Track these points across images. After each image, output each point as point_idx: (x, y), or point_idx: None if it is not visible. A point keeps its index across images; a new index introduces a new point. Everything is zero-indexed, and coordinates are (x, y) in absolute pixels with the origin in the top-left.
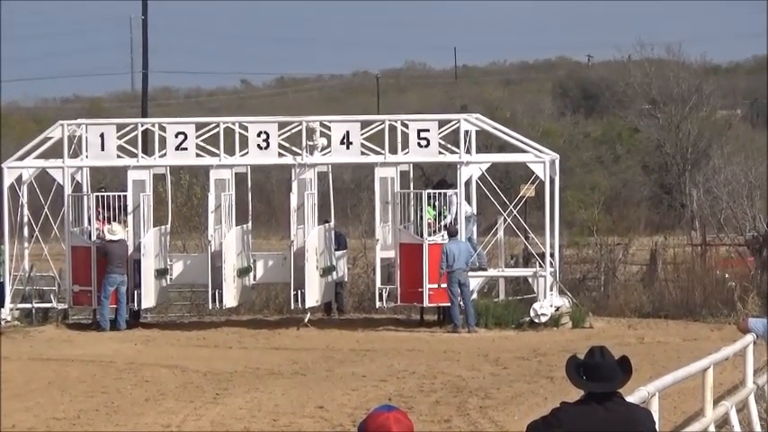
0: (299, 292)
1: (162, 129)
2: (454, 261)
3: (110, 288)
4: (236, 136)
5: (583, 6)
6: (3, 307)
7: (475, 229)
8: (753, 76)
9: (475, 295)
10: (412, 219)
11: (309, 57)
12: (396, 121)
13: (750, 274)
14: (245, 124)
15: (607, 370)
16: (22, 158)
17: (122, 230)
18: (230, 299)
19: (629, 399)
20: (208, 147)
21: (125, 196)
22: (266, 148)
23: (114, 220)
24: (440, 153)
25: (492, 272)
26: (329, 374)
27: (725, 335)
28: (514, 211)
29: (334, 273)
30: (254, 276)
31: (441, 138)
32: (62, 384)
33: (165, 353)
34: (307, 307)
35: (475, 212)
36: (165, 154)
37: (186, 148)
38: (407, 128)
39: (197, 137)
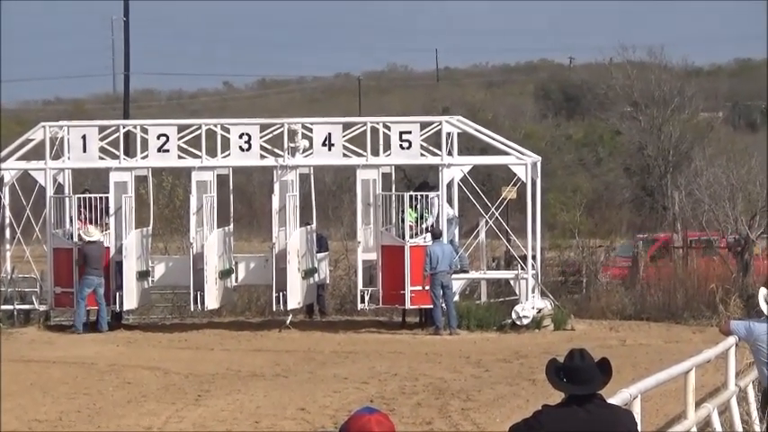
0: (281, 294)
1: (144, 130)
2: (437, 263)
3: (87, 290)
4: (218, 138)
5: (564, 8)
6: None
7: (457, 231)
8: (734, 78)
9: (457, 297)
10: (394, 221)
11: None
12: (378, 123)
13: (732, 277)
14: (227, 126)
15: (587, 372)
16: (3, 160)
17: (99, 232)
18: (212, 301)
19: (612, 400)
20: (190, 148)
21: (107, 198)
22: (248, 149)
23: (96, 222)
24: (422, 155)
25: (474, 274)
26: (311, 376)
27: (707, 337)
28: (496, 214)
29: (316, 275)
30: (236, 278)
31: (422, 140)
32: (44, 386)
33: (146, 355)
34: (288, 309)
35: (457, 215)
36: (146, 156)
37: (168, 150)
38: (389, 130)
39: (179, 138)
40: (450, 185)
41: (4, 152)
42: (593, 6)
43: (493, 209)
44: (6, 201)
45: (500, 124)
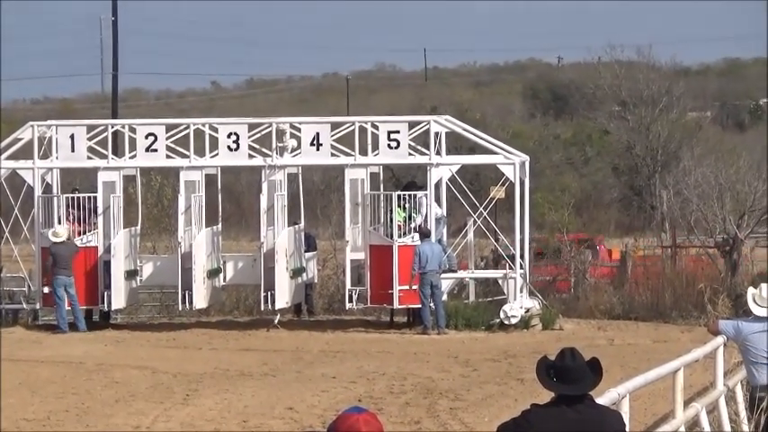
0: (269, 293)
1: (132, 130)
2: (427, 263)
3: (59, 290)
4: (206, 137)
5: (553, 8)
6: None
7: (445, 230)
8: (723, 78)
9: (445, 297)
10: (382, 220)
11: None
12: (366, 123)
13: (720, 276)
14: (215, 125)
15: (577, 372)
16: None
17: (67, 232)
18: (200, 300)
19: (600, 400)
20: (178, 148)
21: (95, 197)
22: (236, 149)
23: (84, 221)
24: (410, 155)
25: (462, 273)
26: (299, 376)
27: (695, 337)
28: (484, 213)
29: (304, 274)
30: (224, 278)
31: (411, 139)
32: (32, 385)
33: (135, 354)
34: (276, 308)
35: (445, 214)
36: (135, 155)
37: (156, 150)
38: (377, 129)
39: (167, 138)
40: (438, 185)
41: None
42: (582, 6)
43: (481, 208)
44: None
45: (488, 124)
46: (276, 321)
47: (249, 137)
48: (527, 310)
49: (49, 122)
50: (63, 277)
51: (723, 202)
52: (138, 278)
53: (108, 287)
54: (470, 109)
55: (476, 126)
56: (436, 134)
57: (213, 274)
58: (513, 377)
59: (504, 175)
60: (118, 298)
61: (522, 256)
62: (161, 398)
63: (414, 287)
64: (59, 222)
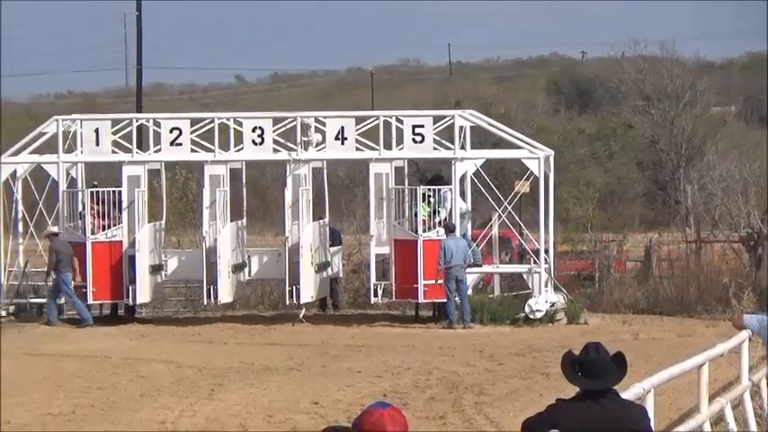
0: (294, 287)
1: (156, 124)
2: (452, 257)
3: (69, 286)
4: (231, 132)
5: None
6: None
7: (469, 225)
8: (747, 72)
9: (470, 291)
10: (407, 215)
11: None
12: (390, 117)
13: (745, 271)
14: (240, 120)
15: (602, 366)
16: (16, 154)
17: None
18: (225, 294)
19: (625, 395)
20: (202, 142)
21: (119, 192)
22: (261, 143)
23: (108, 216)
24: (434, 149)
25: (487, 268)
26: (324, 370)
27: (720, 331)
28: (509, 208)
29: (329, 269)
30: (249, 272)
31: (435, 134)
32: (57, 380)
33: (160, 348)
34: (301, 303)
35: (470, 209)
36: (159, 149)
37: (181, 144)
38: (402, 124)
39: (192, 132)
40: (462, 179)
41: (17, 146)
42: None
43: (506, 203)
44: (19, 194)
45: (512, 118)
46: (301, 316)
47: (274, 131)
48: (552, 305)
49: (73, 117)
50: (68, 273)
51: (747, 196)
52: (163, 272)
53: (133, 281)
54: (494, 103)
55: (500, 121)
56: (461, 128)
57: (238, 268)
58: (539, 371)
59: (528, 169)
60: (143, 292)
61: (546, 251)
62: (186, 392)
63: (439, 282)
64: (82, 218)
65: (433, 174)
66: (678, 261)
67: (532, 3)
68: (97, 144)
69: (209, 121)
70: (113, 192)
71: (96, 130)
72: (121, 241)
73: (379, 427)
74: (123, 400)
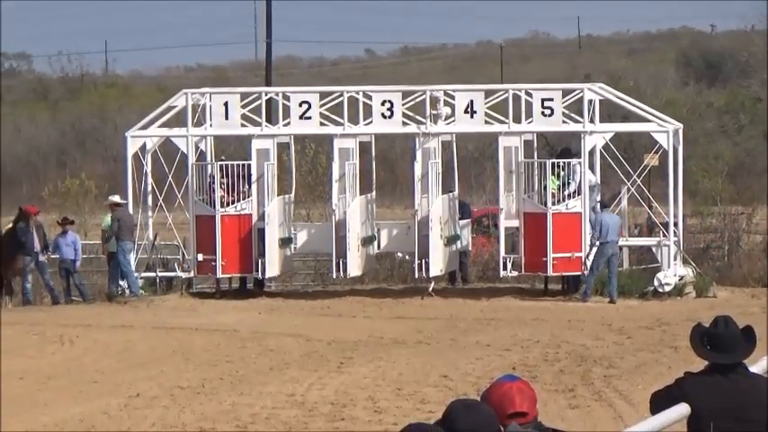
0: (423, 261)
1: (286, 98)
2: (607, 233)
3: (128, 256)
4: (360, 105)
5: None
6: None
7: (598, 198)
8: None
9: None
10: (536, 188)
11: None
12: (519, 91)
13: None
14: (369, 93)
15: (731, 340)
16: (145, 127)
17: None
18: (354, 268)
19: (753, 369)
20: (332, 116)
21: (249, 165)
22: (390, 117)
23: (237, 190)
24: (563, 122)
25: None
26: (453, 344)
27: None
28: (638, 181)
29: (459, 242)
30: (379, 245)
31: (564, 107)
32: (186, 353)
33: (289, 322)
34: (431, 276)
35: (599, 182)
36: (288, 123)
37: (310, 117)
38: (531, 97)
39: (321, 106)
40: (592, 153)
41: (147, 119)
42: None
43: (635, 176)
44: (149, 168)
45: (641, 92)
46: (430, 289)
47: (403, 104)
48: (681, 278)
49: (203, 90)
50: (128, 242)
51: None
52: (293, 246)
53: (262, 255)
54: (624, 77)
55: (629, 94)
56: (590, 102)
57: (367, 241)
58: (667, 345)
59: (657, 142)
60: (272, 266)
61: (675, 224)
62: (315, 366)
63: (576, 254)
64: (212, 190)
65: (562, 147)
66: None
67: None
68: (226, 118)
69: (338, 94)
70: (242, 165)
71: (225, 104)
72: (251, 215)
73: (508, 399)
74: (252, 373)
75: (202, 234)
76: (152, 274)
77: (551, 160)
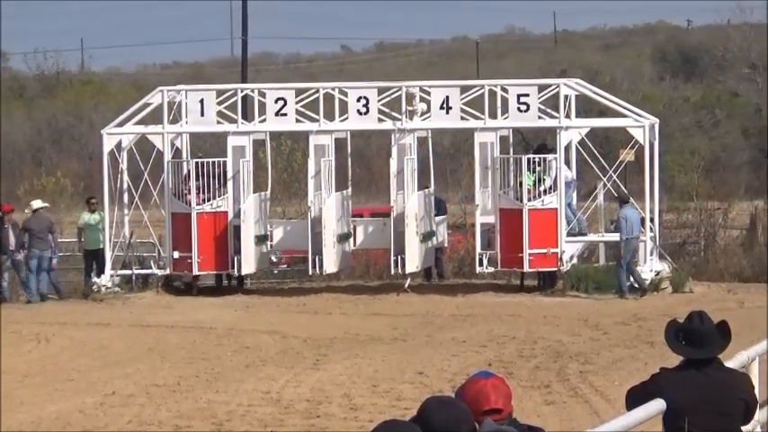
0: (399, 257)
1: (262, 94)
2: (632, 228)
3: (32, 262)
4: (336, 101)
5: None
6: (103, 273)
7: (575, 194)
8: None
9: (575, 260)
10: (512, 184)
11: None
12: (495, 86)
13: None
14: (345, 90)
15: (706, 336)
16: (121, 125)
17: (40, 203)
18: (330, 265)
19: (729, 363)
20: (307, 112)
21: (224, 162)
22: (366, 113)
23: (212, 187)
24: (539, 118)
25: (592, 237)
26: (429, 340)
27: None
28: (614, 176)
29: (434, 238)
30: (354, 242)
31: (540, 102)
32: (162, 351)
33: (265, 319)
34: (407, 272)
35: (575, 178)
36: (264, 119)
37: (286, 114)
38: (507, 93)
39: (297, 102)
40: (568, 148)
41: (122, 116)
42: None
43: (611, 171)
44: (124, 165)
45: (618, 87)
46: (406, 285)
47: (379, 101)
48: (657, 273)
49: (178, 87)
50: (36, 250)
51: None
52: (269, 243)
53: (238, 252)
54: (600, 72)
55: (605, 89)
56: (566, 97)
57: (343, 238)
58: (643, 340)
59: (633, 137)
60: (248, 263)
61: (652, 220)
62: (291, 363)
63: (552, 250)
64: (186, 187)
65: (538, 143)
66: None
67: None
68: (202, 114)
69: (314, 90)
70: (218, 162)
71: (201, 101)
72: (227, 212)
73: (483, 396)
74: (228, 370)
75: (178, 231)
76: (128, 272)
77: (527, 156)
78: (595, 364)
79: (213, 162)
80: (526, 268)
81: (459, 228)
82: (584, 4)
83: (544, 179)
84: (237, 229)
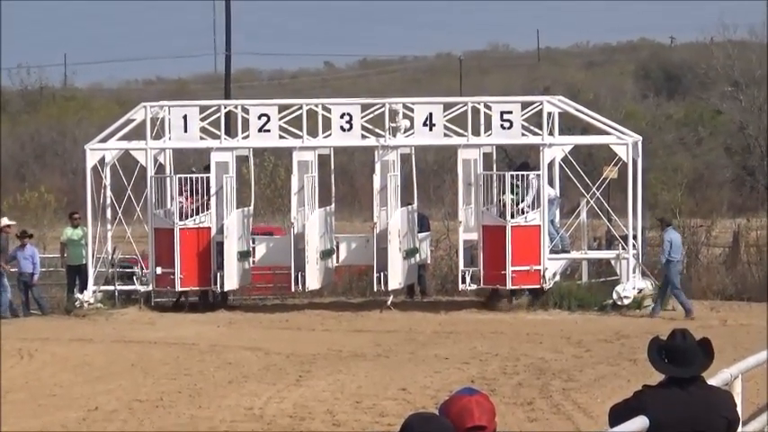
0: (382, 274)
1: (245, 110)
2: (678, 250)
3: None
4: (320, 118)
5: None
6: (86, 289)
7: (558, 211)
8: None
9: (557, 278)
10: (495, 201)
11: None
12: (479, 103)
13: None
14: (329, 106)
15: (689, 354)
16: (104, 140)
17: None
18: (313, 281)
19: (712, 381)
20: (291, 128)
21: (208, 178)
22: (349, 129)
23: (196, 202)
24: (523, 135)
25: (575, 254)
26: (412, 357)
27: None
28: (597, 194)
29: (417, 255)
30: (337, 258)
31: (524, 120)
32: (145, 367)
33: (247, 335)
34: (389, 289)
35: (558, 195)
36: (248, 136)
37: (269, 130)
38: (490, 110)
39: (280, 119)
40: (551, 165)
41: (106, 132)
42: None
43: (594, 189)
44: (108, 181)
45: (601, 104)
46: (389, 302)
47: (362, 117)
48: (640, 291)
49: (161, 103)
50: None
51: None
52: (251, 259)
53: (221, 268)
54: (583, 89)
55: (588, 106)
56: (549, 114)
57: (326, 254)
58: (626, 358)
59: (616, 155)
60: (230, 279)
61: (635, 237)
62: (274, 379)
63: (533, 268)
64: (172, 203)
65: (521, 161)
66: (766, 247)
67: None
68: (185, 130)
69: (297, 107)
70: (202, 178)
71: (184, 117)
72: (210, 228)
73: (467, 412)
74: (211, 386)
75: (161, 247)
76: (111, 288)
77: (510, 173)
78: (578, 381)
79: (197, 178)
80: (509, 285)
81: None
82: (568, 21)
83: (523, 198)
84: (220, 244)
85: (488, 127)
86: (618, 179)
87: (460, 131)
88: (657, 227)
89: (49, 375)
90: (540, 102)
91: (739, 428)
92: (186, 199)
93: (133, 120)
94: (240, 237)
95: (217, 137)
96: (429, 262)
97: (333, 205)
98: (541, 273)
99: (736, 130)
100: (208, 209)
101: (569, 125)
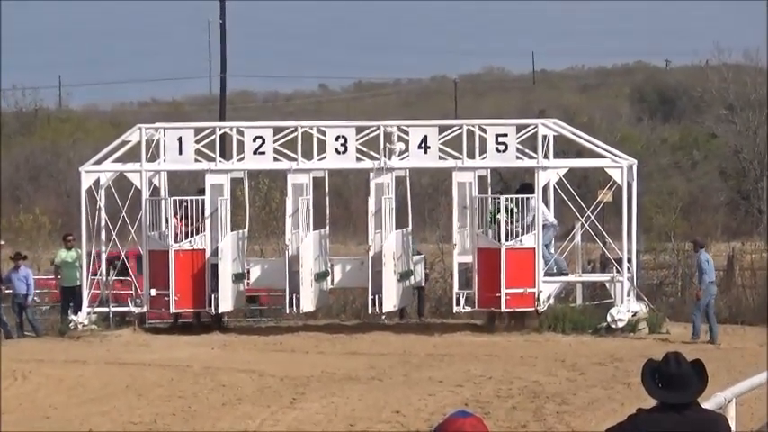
0: (377, 296)
1: (240, 133)
2: (711, 273)
3: None
4: (314, 140)
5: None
6: (80, 311)
7: (554, 238)
8: None
9: (552, 300)
10: (489, 221)
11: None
12: (473, 126)
13: None
14: (323, 128)
15: (683, 378)
16: (99, 162)
17: None
18: (308, 303)
19: (706, 404)
20: (285, 151)
21: (203, 200)
22: (344, 152)
23: (191, 224)
24: (517, 158)
25: (569, 277)
26: (406, 379)
27: None
28: (592, 217)
29: (412, 277)
30: (332, 281)
31: (518, 142)
32: (139, 389)
33: (242, 357)
34: (384, 312)
35: (555, 223)
36: (242, 158)
37: (264, 153)
38: (485, 132)
39: (275, 141)
40: (546, 189)
41: (100, 154)
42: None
43: (588, 212)
44: (102, 203)
45: (596, 127)
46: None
47: (357, 140)
48: (634, 314)
49: (156, 125)
50: None
51: None
52: (246, 281)
53: (215, 290)
54: (578, 112)
55: (583, 129)
56: (544, 137)
57: (321, 277)
58: (620, 381)
59: (611, 178)
60: (225, 301)
61: (629, 260)
62: (268, 401)
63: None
64: (167, 225)
65: (522, 183)
66: (761, 270)
67: (617, 9)
68: (180, 153)
69: (292, 129)
70: (196, 200)
71: (179, 139)
72: (204, 250)
73: None
74: (204, 408)
75: (156, 269)
76: (105, 309)
77: (504, 196)
78: (572, 405)
79: (191, 200)
80: (503, 308)
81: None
82: (563, 44)
83: (518, 219)
84: (215, 267)
85: (483, 150)
86: (612, 202)
87: (455, 154)
88: (650, 251)
89: (44, 397)
90: (535, 125)
91: None
92: (180, 220)
93: (128, 141)
94: (235, 259)
95: (212, 159)
96: (424, 284)
97: (327, 228)
98: (536, 295)
99: (731, 153)
100: (202, 231)
101: (564, 148)
